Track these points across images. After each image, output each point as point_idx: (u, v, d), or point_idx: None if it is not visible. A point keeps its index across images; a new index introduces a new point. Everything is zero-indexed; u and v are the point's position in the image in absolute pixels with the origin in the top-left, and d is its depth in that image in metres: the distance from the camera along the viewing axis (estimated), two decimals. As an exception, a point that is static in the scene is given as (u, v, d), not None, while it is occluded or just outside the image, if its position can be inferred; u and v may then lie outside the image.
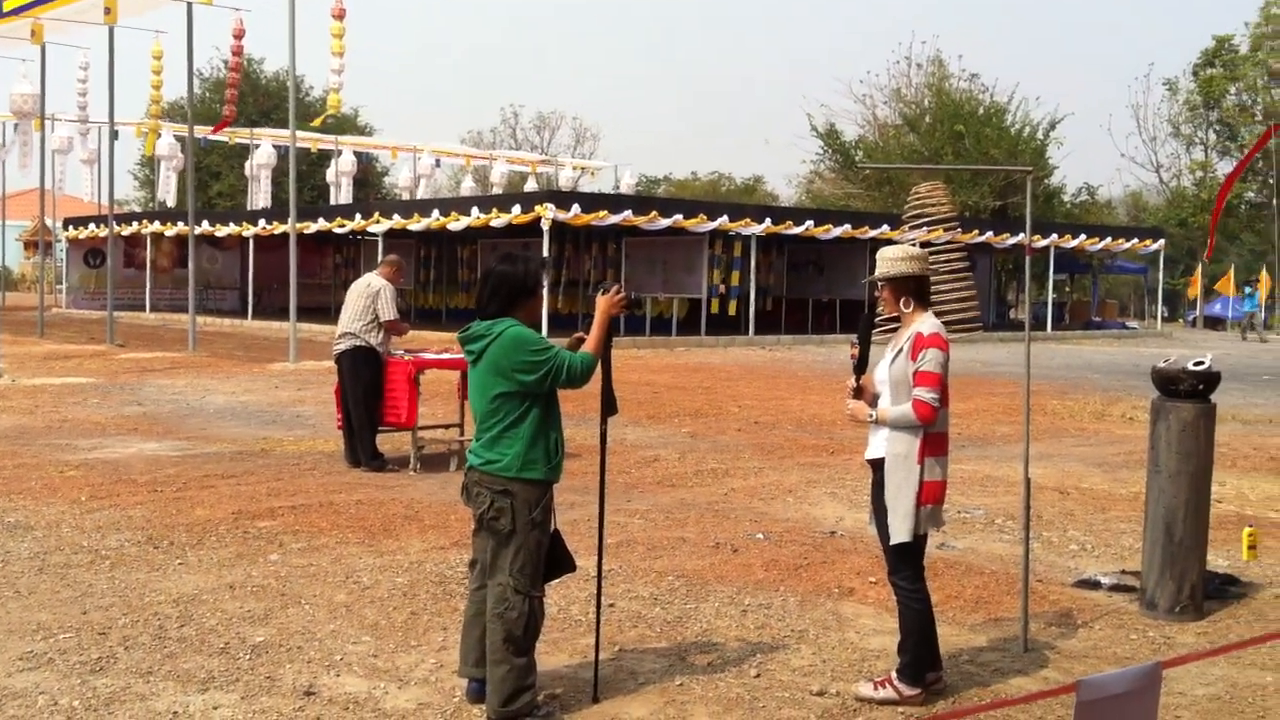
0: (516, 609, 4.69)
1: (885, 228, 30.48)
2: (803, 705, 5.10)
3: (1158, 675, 2.76)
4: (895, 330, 5.38)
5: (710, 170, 68.92)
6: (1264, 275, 38.21)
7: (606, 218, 25.96)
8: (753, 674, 5.45)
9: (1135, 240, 38.01)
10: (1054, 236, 34.40)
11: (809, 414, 14.79)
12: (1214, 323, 46.56)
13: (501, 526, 4.68)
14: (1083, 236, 35.79)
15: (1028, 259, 6.70)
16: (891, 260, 5.30)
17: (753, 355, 25.11)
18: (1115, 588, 7.06)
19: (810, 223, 29.64)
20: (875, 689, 5.19)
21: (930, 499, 5.12)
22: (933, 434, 5.13)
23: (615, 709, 4.96)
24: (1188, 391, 6.63)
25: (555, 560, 4.96)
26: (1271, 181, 48.60)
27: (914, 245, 6.11)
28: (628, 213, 26.27)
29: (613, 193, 38.29)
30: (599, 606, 5.38)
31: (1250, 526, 8.02)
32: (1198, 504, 6.57)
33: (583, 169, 56.71)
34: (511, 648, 4.70)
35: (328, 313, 31.83)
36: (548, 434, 4.76)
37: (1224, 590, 7.01)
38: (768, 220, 28.88)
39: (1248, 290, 37.06)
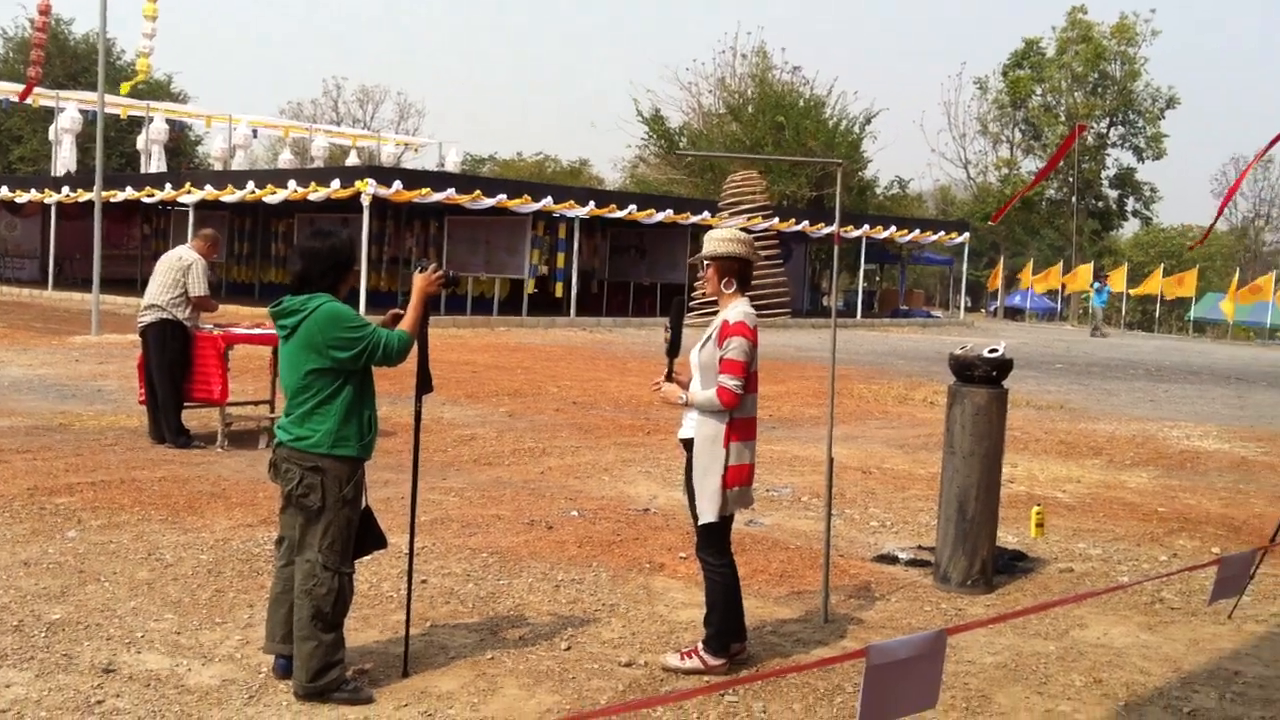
0: (325, 585, 4.65)
1: (706, 214, 30.90)
2: (611, 676, 5.20)
3: (942, 641, 2.92)
4: (714, 314, 5.51)
5: (536, 151, 68.97)
6: (1112, 274, 40.09)
7: (429, 195, 25.66)
8: (563, 647, 5.53)
9: (942, 233, 39.48)
10: (866, 227, 35.51)
11: (627, 395, 14.96)
12: (1014, 313, 48.77)
13: (311, 503, 4.64)
14: (893, 228, 37.02)
15: (836, 249, 6.94)
16: (719, 240, 5.42)
17: (573, 336, 25.22)
18: (912, 562, 7.38)
19: (633, 207, 29.89)
20: (682, 659, 5.33)
21: (736, 482, 5.27)
22: (739, 419, 5.28)
23: (425, 683, 4.97)
24: (982, 377, 6.97)
25: (366, 537, 4.94)
26: (1071, 180, 51.12)
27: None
28: (451, 191, 26.01)
29: (436, 170, 37.79)
30: (410, 582, 5.37)
31: (1038, 506, 8.51)
32: (989, 484, 6.92)
33: (406, 145, 55.92)
34: (320, 624, 4.67)
35: (134, 285, 30.67)
36: (361, 411, 4.73)
37: (1013, 565, 7.40)
38: (592, 203, 29.00)
39: (1095, 286, 38.70)
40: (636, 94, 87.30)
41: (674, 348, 5.48)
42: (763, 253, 6.14)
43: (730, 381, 5.17)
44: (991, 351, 7.03)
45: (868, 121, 47.98)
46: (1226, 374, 23.58)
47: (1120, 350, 29.83)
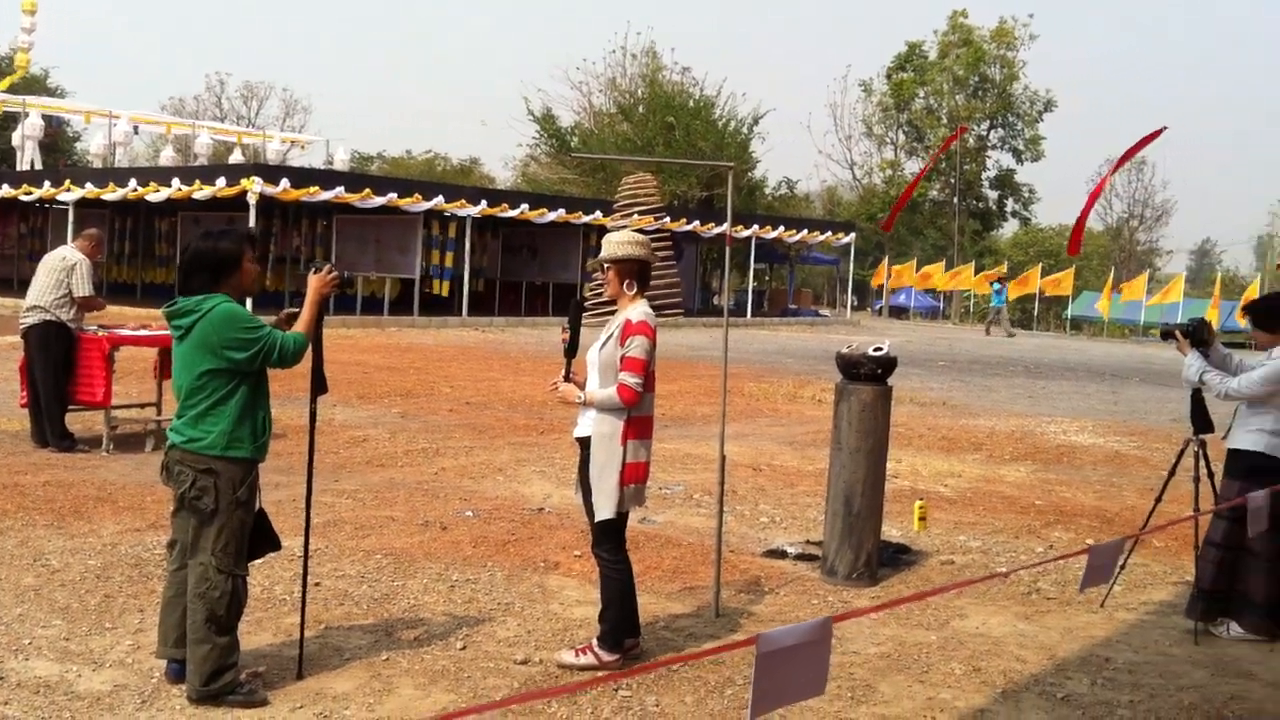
0: (219, 588, 4.64)
1: (599, 213, 31.01)
2: (507, 674, 5.27)
3: (828, 628, 3.05)
4: (612, 314, 5.60)
5: (426, 149, 68.24)
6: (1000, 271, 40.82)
7: (318, 194, 25.33)
8: (459, 646, 5.57)
9: (829, 233, 40.12)
10: (755, 227, 35.93)
11: (520, 395, 14.99)
12: (898, 312, 49.73)
13: (204, 506, 4.62)
14: (781, 228, 37.53)
15: (728, 250, 7.07)
16: (619, 243, 5.51)
17: (466, 336, 25.12)
18: (800, 556, 7.56)
19: (525, 206, 29.87)
20: (577, 656, 5.42)
21: (633, 479, 5.38)
22: (637, 417, 5.38)
23: (320, 684, 4.98)
24: (867, 375, 7.17)
25: (259, 539, 4.93)
26: (953, 181, 52.32)
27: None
28: (340, 189, 25.71)
29: (325, 168, 37.30)
30: (305, 585, 5.38)
31: (921, 500, 8.76)
32: (874, 479, 7.12)
33: (292, 143, 55.03)
34: (214, 627, 4.66)
35: (11, 285, 29.77)
36: (255, 413, 4.73)
37: (897, 558, 7.63)
38: (484, 202, 28.90)
39: (995, 287, 39.33)
40: (527, 93, 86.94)
41: (572, 348, 5.56)
42: (659, 253, 6.26)
43: (631, 379, 5.27)
44: (876, 350, 7.23)
45: (756, 122, 48.62)
46: (1101, 371, 24.38)
47: (1000, 348, 30.63)
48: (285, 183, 24.88)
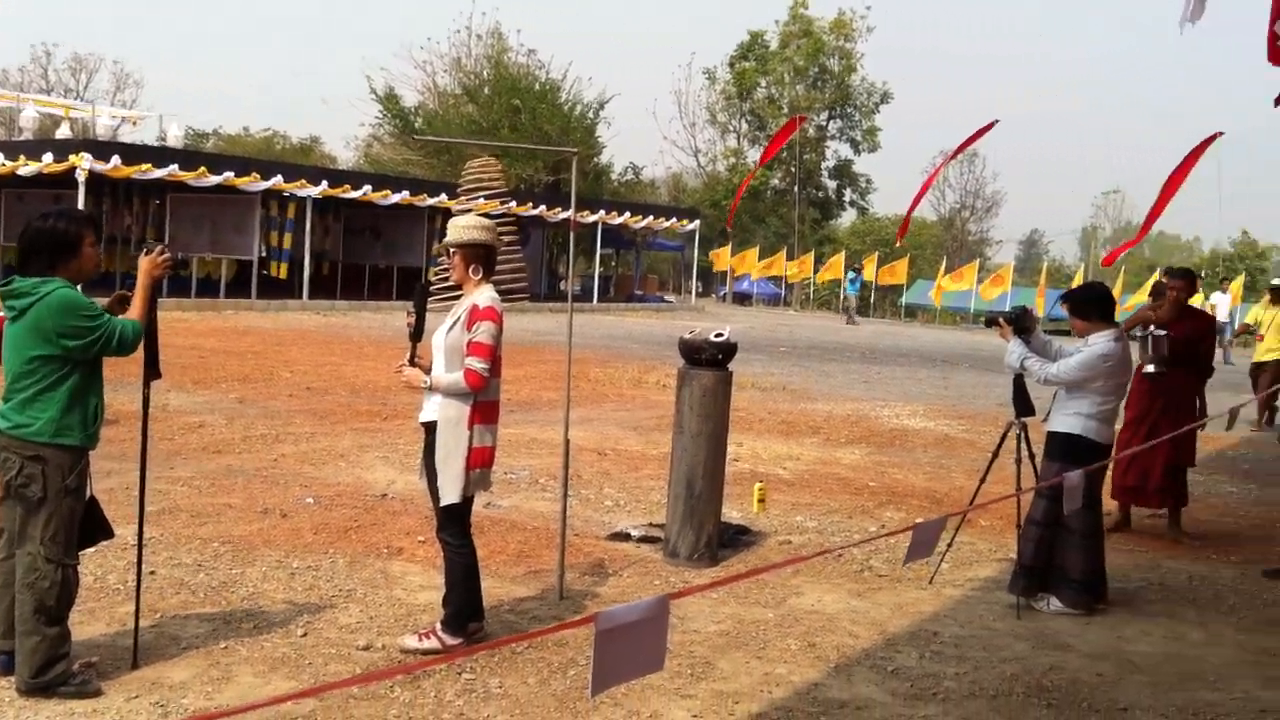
0: (49, 578, 4.51)
1: (444, 196, 30.75)
2: (349, 660, 5.25)
3: (665, 605, 3.13)
4: (457, 298, 5.60)
5: (264, 127, 66.42)
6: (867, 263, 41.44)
7: (150, 171, 24.52)
8: (300, 634, 5.53)
9: (674, 220, 40.52)
10: (601, 213, 36.07)
11: (363, 380, 14.80)
12: (742, 298, 50.50)
13: (31, 494, 4.48)
14: (627, 214, 37.76)
15: (572, 235, 7.13)
16: (465, 228, 5.52)
17: (306, 320, 24.65)
18: (643, 539, 7.68)
19: (369, 187, 29.41)
20: (420, 640, 5.43)
21: (479, 463, 5.41)
22: (483, 402, 5.41)
23: (156, 674, 4.89)
24: (709, 360, 7.32)
25: (90, 528, 4.81)
26: (794, 170, 53.31)
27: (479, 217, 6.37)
28: (174, 167, 24.93)
29: (158, 145, 36.09)
30: (139, 574, 5.26)
31: (760, 483, 8.98)
32: (715, 462, 7.28)
33: (124, 118, 53.01)
34: (43, 618, 4.53)
35: None
36: (86, 399, 4.60)
37: (737, 539, 7.81)
38: (325, 183, 28.37)
39: (850, 276, 39.88)
40: (370, 71, 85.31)
41: (417, 332, 5.55)
42: (503, 237, 6.29)
43: (478, 364, 5.29)
44: (717, 336, 7.39)
45: (602, 107, 48.74)
46: (933, 357, 25.21)
47: (839, 335, 31.41)
48: (116, 159, 24.02)
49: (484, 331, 5.33)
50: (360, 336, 21.33)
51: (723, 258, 46.87)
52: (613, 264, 46.69)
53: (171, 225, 27.67)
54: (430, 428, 5.48)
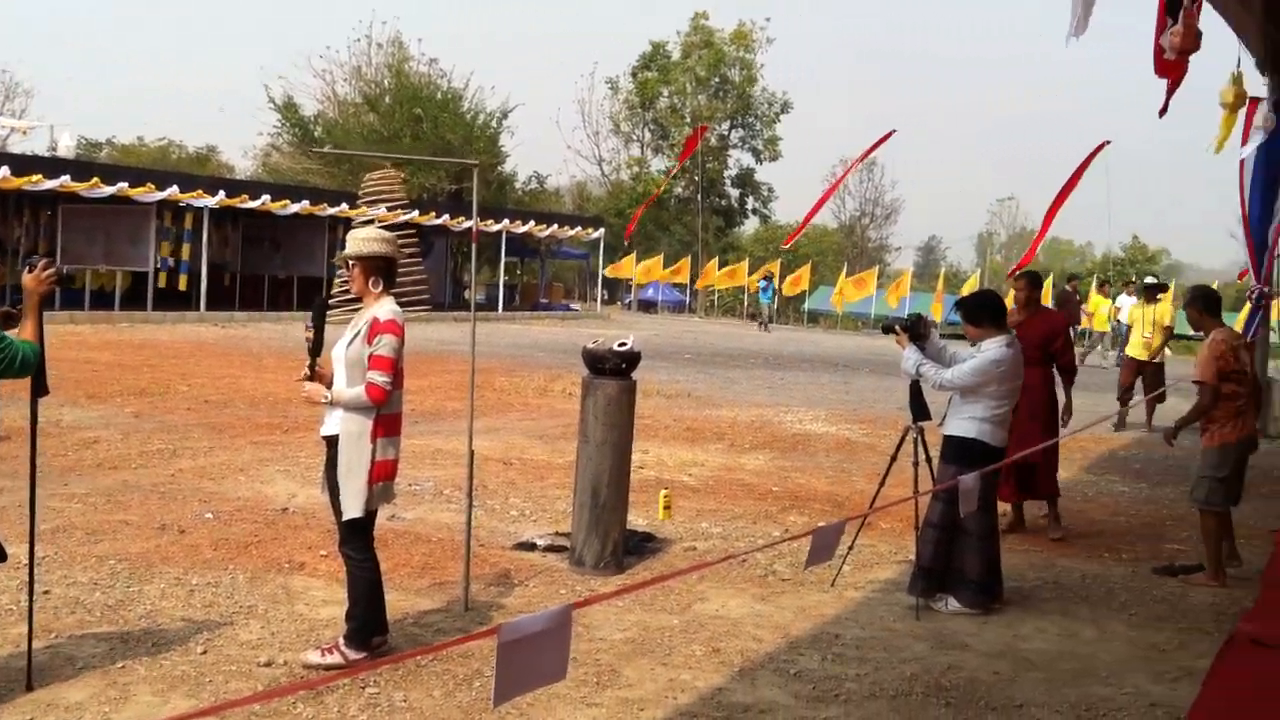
0: (-64, 600, 4.40)
1: (344, 205, 30.43)
2: (250, 677, 5.18)
3: (568, 614, 3.16)
4: (358, 310, 5.57)
5: (159, 136, 64.93)
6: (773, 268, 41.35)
7: (41, 182, 23.88)
8: (199, 651, 5.44)
9: (579, 228, 40.56)
10: (505, 222, 35.95)
11: (263, 392, 14.59)
12: (647, 305, 50.67)
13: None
14: (532, 223, 37.67)
15: (474, 246, 7.13)
16: (364, 240, 5.49)
17: (204, 332, 24.21)
18: (549, 548, 7.69)
19: (267, 197, 29.00)
20: (323, 655, 5.38)
21: (381, 476, 5.38)
22: (385, 415, 5.39)
23: (52, 695, 4.79)
24: (613, 369, 7.36)
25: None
26: (697, 179, 53.67)
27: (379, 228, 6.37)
28: (65, 178, 24.31)
29: (49, 155, 35.17)
30: (31, 592, 5.14)
31: (666, 490, 9.04)
32: (620, 470, 7.32)
33: (13, 128, 51.58)
34: (-70, 642, 4.41)
35: None
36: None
37: (642, 546, 7.85)
38: (222, 193, 27.88)
39: (762, 285, 39.85)
40: (268, 80, 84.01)
41: (316, 346, 5.51)
42: (403, 248, 6.27)
43: (380, 378, 5.27)
44: (621, 345, 7.43)
45: (505, 116, 48.60)
46: (835, 362, 25.53)
47: (743, 341, 31.67)
48: (5, 170, 23.37)
49: (385, 345, 5.31)
50: (260, 348, 21.02)
51: (625, 268, 46.97)
52: (518, 272, 46.59)
53: (63, 237, 26.97)
54: (332, 441, 5.44)
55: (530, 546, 7.77)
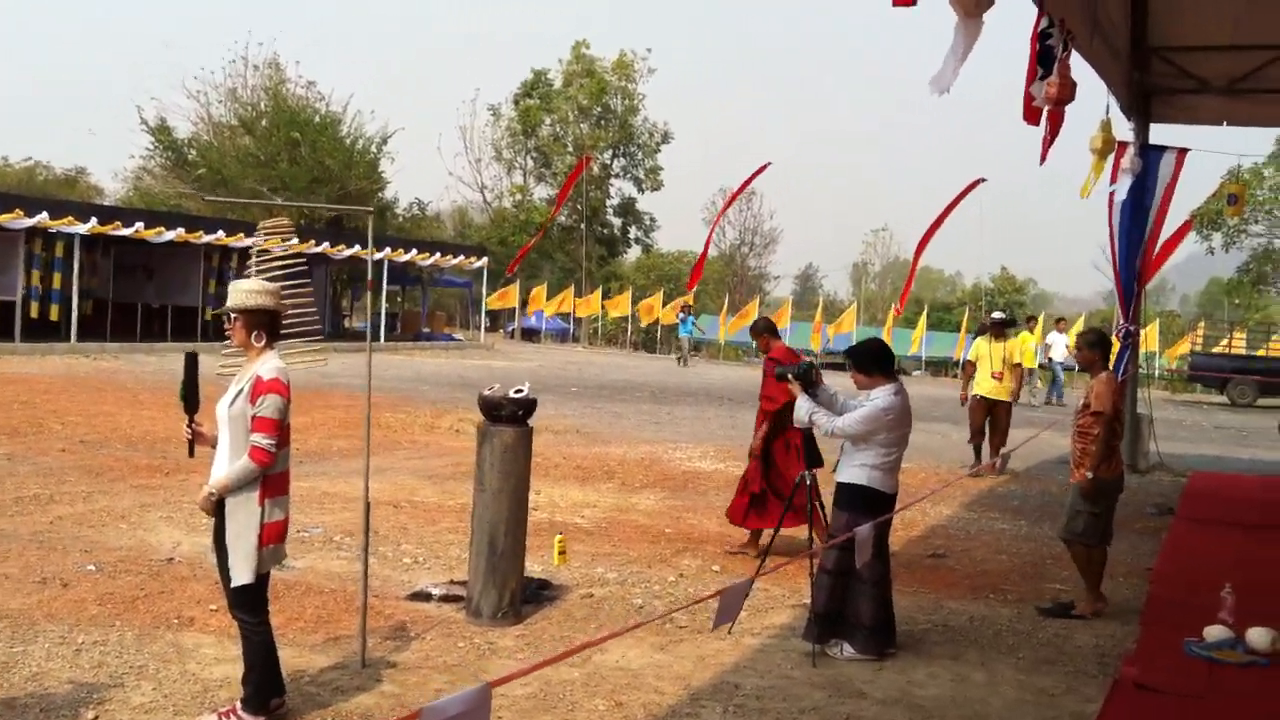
0: None
1: (221, 233, 29.85)
2: (145, 746, 5.05)
3: (488, 694, 3.17)
4: (242, 360, 5.49)
5: (25, 157, 62.81)
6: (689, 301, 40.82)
7: (-101, 208, 23.00)
8: (90, 717, 5.29)
9: (462, 257, 40.33)
10: (388, 250, 35.57)
11: (140, 430, 14.22)
12: (530, 334, 50.59)
13: None
14: (414, 251, 37.35)
15: (369, 294, 7.07)
16: (247, 292, 5.40)
17: (76, 364, 23.48)
18: (445, 598, 7.63)
19: (141, 224, 28.26)
20: (221, 720, 5.27)
21: (271, 539, 5.30)
22: (273, 475, 5.31)
23: (-66, 774, 4.61)
24: (509, 416, 7.35)
25: None
26: (580, 208, 53.83)
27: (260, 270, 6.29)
28: (-73, 204, 23.44)
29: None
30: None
31: (560, 534, 9.01)
32: (517, 518, 7.30)
33: None
34: None
35: None
36: None
37: (539, 594, 7.83)
38: (94, 219, 27.12)
39: (681, 317, 38.88)
40: (140, 100, 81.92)
41: (192, 404, 5.43)
42: (292, 276, 6.19)
43: (264, 440, 5.18)
44: (517, 392, 7.43)
45: (385, 141, 48.24)
46: (720, 395, 25.77)
47: (625, 373, 31.79)
48: None
49: (269, 406, 5.22)
50: (134, 383, 20.47)
51: (508, 297, 46.83)
52: (399, 300, 46.12)
53: (-75, 264, 26.03)
54: (219, 504, 5.34)
55: (425, 597, 7.69)
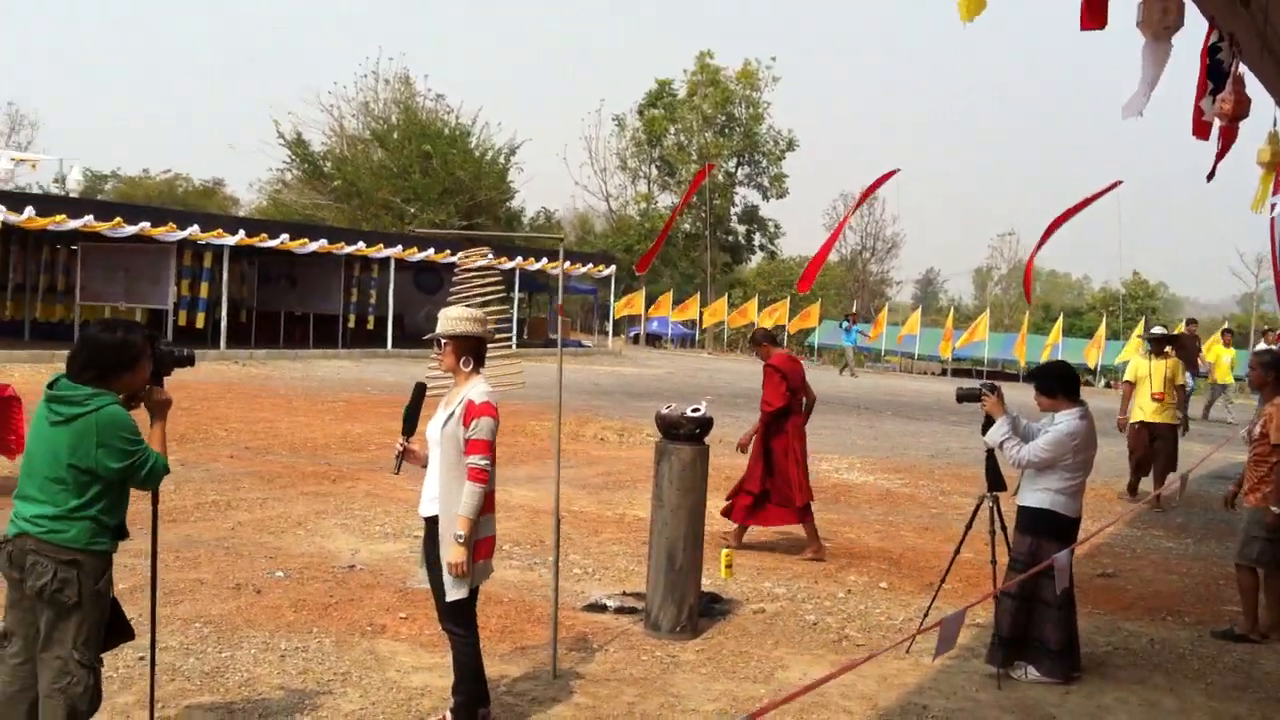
0: (82, 683, 4.46)
1: (361, 244, 30.60)
2: (366, 752, 5.25)
3: None
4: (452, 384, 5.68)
5: (165, 169, 65.11)
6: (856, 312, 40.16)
7: (65, 222, 23.99)
8: (308, 724, 5.51)
9: (591, 265, 40.69)
10: (519, 259, 36.05)
11: (300, 437, 14.66)
12: (653, 339, 50.80)
13: (66, 599, 4.42)
14: (545, 260, 37.79)
15: (560, 319, 7.23)
16: (456, 319, 5.59)
17: (227, 371, 24.27)
18: (620, 610, 7.77)
19: (286, 236, 29.09)
20: (435, 731, 5.45)
21: (483, 554, 5.47)
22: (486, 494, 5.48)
23: (179, 775, 4.86)
24: (686, 435, 7.47)
25: (112, 630, 4.76)
26: (705, 216, 53.92)
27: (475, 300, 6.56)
28: (89, 218, 24.37)
29: (69, 195, 35.31)
30: (153, 663, 5.22)
31: (727, 548, 9.11)
32: (695, 534, 7.40)
33: (20, 160, 51.78)
34: (73, 723, 4.48)
35: None
36: (119, 504, 4.63)
37: (711, 608, 7.92)
38: (241, 231, 28.01)
39: (845, 326, 38.28)
40: (277, 115, 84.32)
41: (410, 426, 5.65)
42: (490, 301, 6.45)
43: (481, 461, 5.36)
44: (694, 411, 7.54)
45: (513, 152, 48.90)
46: (855, 404, 25.58)
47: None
48: (30, 210, 23.42)
49: (482, 428, 5.40)
50: (285, 388, 21.09)
51: (636, 303, 47.08)
52: (525, 306, 46.71)
53: (83, 274, 27.16)
54: (433, 521, 5.52)
55: (601, 608, 7.84)
